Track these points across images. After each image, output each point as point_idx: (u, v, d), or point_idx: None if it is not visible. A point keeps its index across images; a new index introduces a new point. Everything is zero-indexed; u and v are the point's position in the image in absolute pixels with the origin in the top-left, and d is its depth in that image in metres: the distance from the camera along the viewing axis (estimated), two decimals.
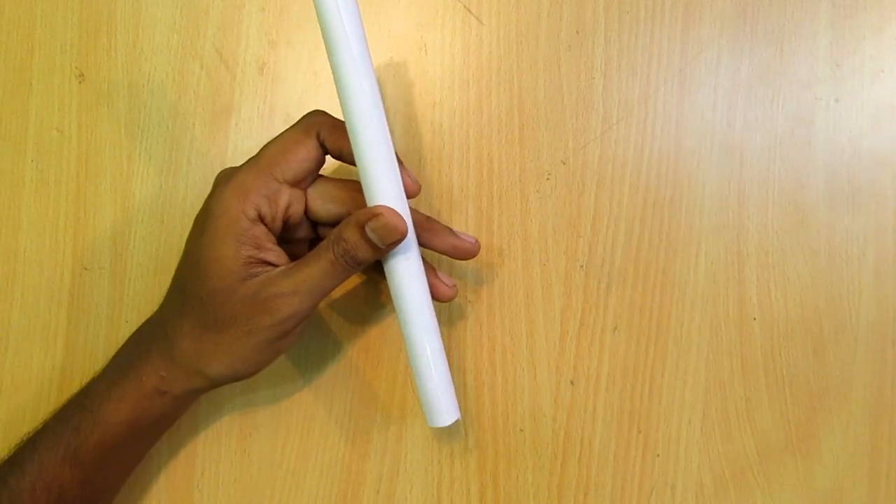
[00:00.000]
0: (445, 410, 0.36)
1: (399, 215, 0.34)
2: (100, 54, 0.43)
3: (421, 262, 0.36)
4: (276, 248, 0.36)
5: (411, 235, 0.35)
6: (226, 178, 0.36)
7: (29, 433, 0.37)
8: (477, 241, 0.38)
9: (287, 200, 0.36)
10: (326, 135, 0.36)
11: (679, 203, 0.41)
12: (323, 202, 0.37)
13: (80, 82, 0.43)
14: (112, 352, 0.38)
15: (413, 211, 0.37)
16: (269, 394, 0.42)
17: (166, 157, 0.42)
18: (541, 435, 0.41)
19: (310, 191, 0.37)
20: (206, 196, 0.36)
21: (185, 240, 0.39)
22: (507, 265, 0.41)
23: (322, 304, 0.42)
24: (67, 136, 0.43)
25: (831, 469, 0.40)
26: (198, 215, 0.36)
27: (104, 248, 0.42)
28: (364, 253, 0.34)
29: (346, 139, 0.35)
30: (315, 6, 0.33)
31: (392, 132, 0.42)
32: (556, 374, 0.41)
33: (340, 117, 0.35)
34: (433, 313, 0.36)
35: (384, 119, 0.34)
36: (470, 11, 0.42)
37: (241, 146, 0.42)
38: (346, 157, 0.36)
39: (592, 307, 0.41)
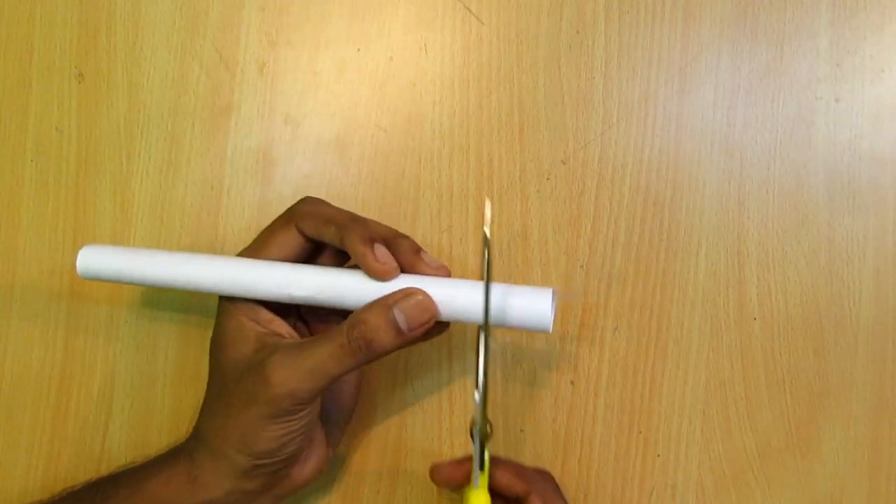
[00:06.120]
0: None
1: (431, 298, 0.33)
2: (99, 54, 0.43)
3: None
4: (284, 323, 0.35)
5: None
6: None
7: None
8: (443, 267, 0.34)
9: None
10: (304, 222, 0.35)
11: (679, 203, 0.41)
12: (315, 226, 0.35)
13: (79, 82, 0.43)
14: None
15: (385, 226, 0.35)
16: None
17: (166, 157, 0.42)
18: (541, 435, 0.41)
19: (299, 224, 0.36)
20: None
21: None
22: (507, 265, 0.41)
23: None
24: (67, 136, 0.43)
25: (831, 469, 0.40)
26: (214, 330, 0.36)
27: None
28: (383, 337, 0.32)
29: (322, 225, 0.34)
30: None
31: (393, 133, 0.42)
32: (556, 374, 0.41)
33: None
34: None
35: None
36: (470, 11, 0.42)
37: (241, 146, 0.42)
38: (328, 241, 0.34)
39: (592, 307, 0.41)
